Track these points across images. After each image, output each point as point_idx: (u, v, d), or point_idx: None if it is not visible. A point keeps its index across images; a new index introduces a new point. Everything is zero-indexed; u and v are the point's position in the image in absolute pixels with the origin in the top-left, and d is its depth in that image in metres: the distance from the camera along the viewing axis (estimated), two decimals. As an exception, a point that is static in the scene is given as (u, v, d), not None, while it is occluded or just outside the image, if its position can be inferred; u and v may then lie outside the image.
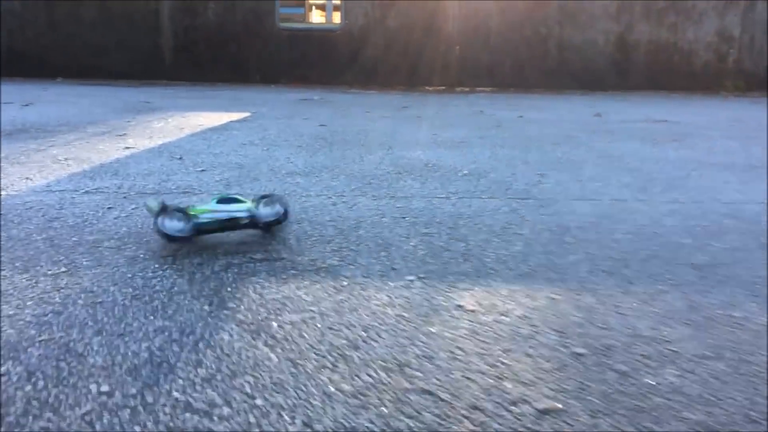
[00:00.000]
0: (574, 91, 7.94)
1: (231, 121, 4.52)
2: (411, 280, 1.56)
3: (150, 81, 8.04)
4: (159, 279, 1.55)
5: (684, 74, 8.17)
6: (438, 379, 1.09)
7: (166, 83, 8.06)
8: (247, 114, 4.97)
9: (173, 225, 1.78)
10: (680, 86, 8.07)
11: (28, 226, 1.95)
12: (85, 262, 1.66)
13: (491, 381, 1.08)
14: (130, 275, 1.57)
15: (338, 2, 8.23)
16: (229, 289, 1.49)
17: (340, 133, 4.00)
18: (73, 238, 1.85)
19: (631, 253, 1.77)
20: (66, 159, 3.01)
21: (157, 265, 1.65)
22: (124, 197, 2.32)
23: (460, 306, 1.41)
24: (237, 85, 7.94)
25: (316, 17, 8.95)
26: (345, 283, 1.53)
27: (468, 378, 1.10)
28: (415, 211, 2.19)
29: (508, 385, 1.07)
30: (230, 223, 1.86)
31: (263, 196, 1.91)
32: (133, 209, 2.16)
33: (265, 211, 1.87)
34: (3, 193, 2.35)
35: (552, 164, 3.06)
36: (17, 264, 1.63)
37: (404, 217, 2.11)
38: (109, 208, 2.17)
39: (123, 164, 2.92)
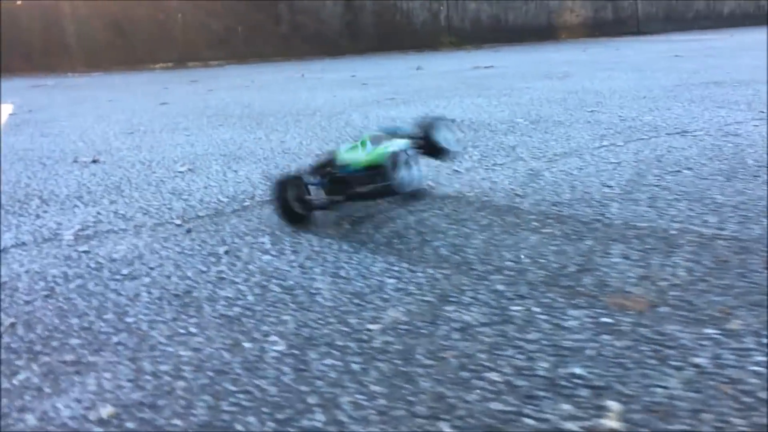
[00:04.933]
0: (312, 57, 7.43)
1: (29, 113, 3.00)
2: None
3: None
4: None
5: (407, 33, 8.26)
6: None
7: None
8: (10, 106, 3.39)
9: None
10: (406, 45, 8.14)
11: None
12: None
13: None
14: None
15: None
16: None
17: (226, 107, 2.91)
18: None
19: None
20: None
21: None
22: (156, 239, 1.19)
23: None
24: None
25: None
26: None
27: None
28: (616, 172, 1.53)
29: None
30: None
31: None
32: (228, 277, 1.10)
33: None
34: None
35: (561, 105, 2.56)
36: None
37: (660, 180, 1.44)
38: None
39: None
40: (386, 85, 3.66)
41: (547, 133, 1.98)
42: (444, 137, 1.33)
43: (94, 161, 1.83)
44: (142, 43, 6.87)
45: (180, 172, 1.66)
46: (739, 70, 3.60)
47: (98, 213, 1.32)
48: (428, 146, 1.31)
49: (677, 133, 1.88)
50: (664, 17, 10.27)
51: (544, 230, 1.09)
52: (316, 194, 1.17)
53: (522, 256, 0.97)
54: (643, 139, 1.82)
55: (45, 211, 1.35)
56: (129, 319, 0.84)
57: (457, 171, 1.54)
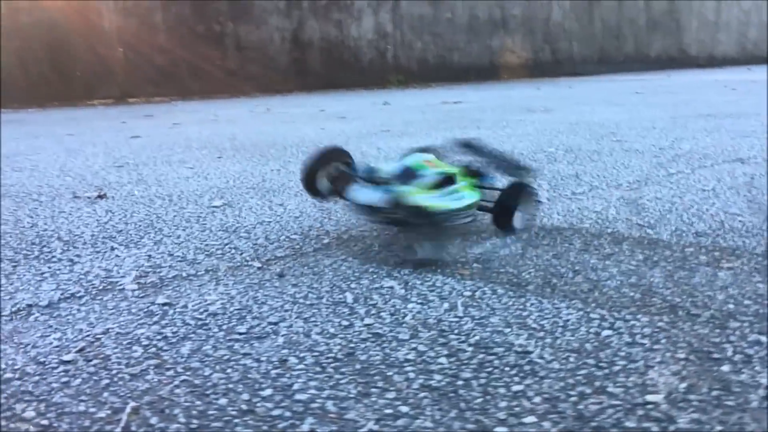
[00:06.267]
0: (260, 93, 7.21)
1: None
2: None
3: None
4: None
5: (355, 71, 8.17)
6: None
7: None
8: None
9: None
10: (353, 83, 8.05)
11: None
12: None
13: None
14: None
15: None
16: None
17: (210, 140, 2.67)
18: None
19: None
20: None
21: None
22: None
23: None
24: None
25: None
26: None
27: None
28: (724, 199, 1.42)
29: None
30: None
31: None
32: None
33: None
34: None
35: (578, 136, 2.46)
36: None
37: (785, 199, 1.33)
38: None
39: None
40: (367, 119, 3.49)
41: (595, 161, 1.85)
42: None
43: (100, 197, 1.57)
44: (80, 78, 6.48)
45: (216, 206, 1.43)
46: (716, 104, 3.63)
47: (149, 256, 1.08)
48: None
49: (734, 160, 1.79)
50: (598, 60, 10.62)
51: (724, 265, 0.92)
52: None
53: (740, 298, 0.80)
54: (705, 167, 1.71)
55: (77, 255, 1.09)
56: (300, 396, 0.61)
57: (538, 201, 1.37)
